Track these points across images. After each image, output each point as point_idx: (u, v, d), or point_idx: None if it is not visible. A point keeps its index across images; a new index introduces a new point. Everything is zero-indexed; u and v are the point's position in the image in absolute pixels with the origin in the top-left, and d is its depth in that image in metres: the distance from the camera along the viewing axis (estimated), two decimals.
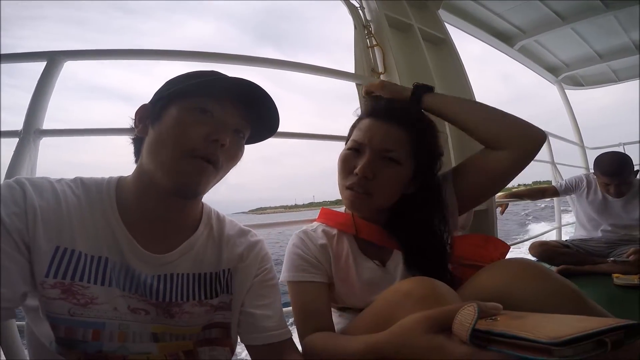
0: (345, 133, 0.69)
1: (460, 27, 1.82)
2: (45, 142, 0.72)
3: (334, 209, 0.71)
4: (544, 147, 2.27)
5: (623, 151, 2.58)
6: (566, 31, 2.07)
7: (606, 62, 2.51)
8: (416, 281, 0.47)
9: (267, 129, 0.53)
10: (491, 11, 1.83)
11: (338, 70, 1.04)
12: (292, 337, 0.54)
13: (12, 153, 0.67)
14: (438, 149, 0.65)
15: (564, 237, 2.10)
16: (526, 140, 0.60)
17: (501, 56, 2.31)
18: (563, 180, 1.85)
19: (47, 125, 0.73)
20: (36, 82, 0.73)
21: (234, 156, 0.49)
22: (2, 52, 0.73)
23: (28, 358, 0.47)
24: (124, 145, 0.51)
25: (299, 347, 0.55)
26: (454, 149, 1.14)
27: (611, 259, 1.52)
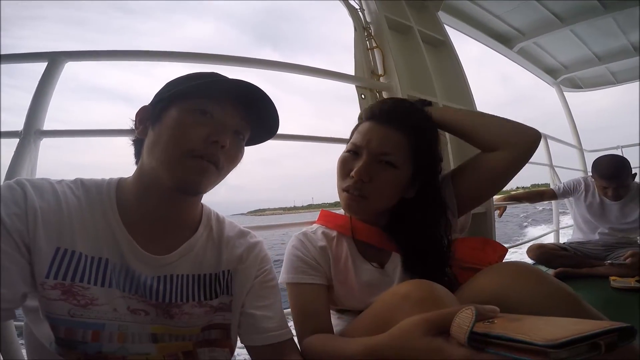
0: (344, 134, 0.70)
1: (460, 28, 1.83)
2: (45, 142, 0.73)
3: (334, 211, 0.71)
4: (542, 150, 2.27)
5: (621, 154, 2.59)
6: (565, 33, 2.08)
7: (605, 64, 2.52)
8: (414, 284, 0.47)
9: (266, 130, 0.53)
10: (490, 13, 1.84)
11: (338, 73, 1.05)
12: (293, 337, 0.54)
13: (13, 154, 0.68)
14: (438, 153, 0.65)
15: (562, 240, 2.11)
16: (521, 139, 0.62)
17: (500, 58, 2.32)
18: (561, 183, 1.86)
19: (47, 125, 0.73)
20: (37, 83, 0.73)
21: (234, 157, 0.49)
22: (3, 53, 0.73)
23: (26, 358, 0.48)
24: (124, 146, 0.52)
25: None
26: (452, 154, 1.14)
27: (608, 261, 1.53)
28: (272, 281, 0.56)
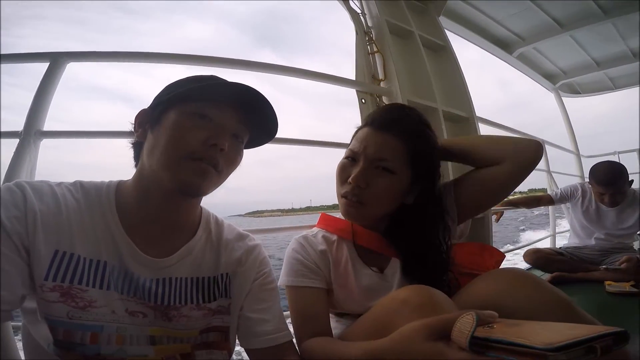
0: (344, 137, 0.70)
1: (460, 33, 1.84)
2: (44, 142, 0.72)
3: (334, 215, 0.71)
4: None
5: (618, 160, 2.61)
6: (565, 39, 2.09)
7: (603, 69, 2.54)
8: (413, 289, 0.48)
9: (265, 133, 0.53)
10: (491, 18, 1.85)
11: (339, 77, 1.05)
12: (292, 340, 0.54)
13: (12, 154, 0.67)
14: (436, 159, 0.65)
15: (558, 245, 2.13)
16: (522, 152, 0.63)
17: (498, 62, 2.33)
18: (558, 189, 1.87)
19: (46, 125, 0.72)
20: (38, 83, 0.73)
21: (234, 160, 0.49)
22: (4, 52, 0.72)
23: (23, 358, 0.48)
24: (125, 147, 0.51)
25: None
26: (452, 168, 1.15)
27: (604, 266, 1.54)
28: (271, 284, 0.56)
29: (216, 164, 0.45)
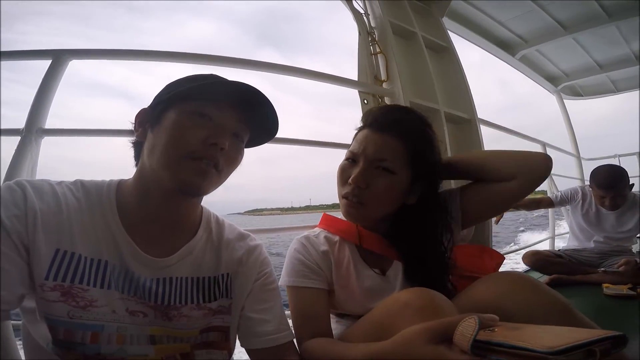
0: (345, 137, 0.70)
1: (463, 34, 1.83)
2: (45, 139, 0.72)
3: (336, 216, 0.71)
4: None
5: (618, 163, 2.60)
6: (568, 41, 2.09)
7: (606, 72, 2.53)
8: (415, 292, 0.48)
9: (266, 132, 0.53)
10: (494, 19, 1.84)
11: (341, 77, 1.04)
12: (292, 340, 0.55)
13: (14, 151, 0.67)
14: (436, 158, 0.65)
15: (557, 247, 2.13)
16: (532, 169, 0.62)
17: (498, 63, 2.32)
18: (559, 191, 1.87)
19: (48, 122, 0.72)
20: (40, 81, 0.72)
21: (234, 160, 0.49)
22: (8, 49, 0.72)
23: (23, 357, 0.48)
24: (126, 144, 0.51)
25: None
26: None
27: (602, 269, 1.54)
28: (272, 284, 0.56)
29: (216, 164, 0.45)
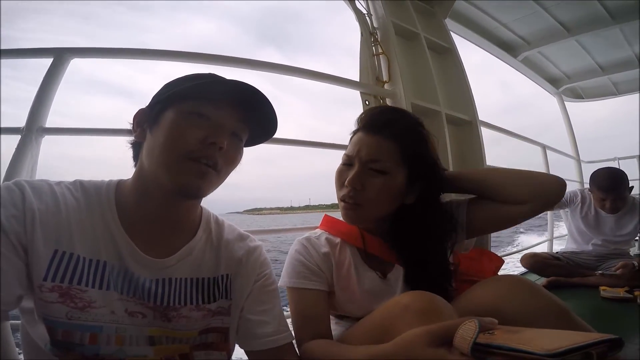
0: (345, 137, 0.71)
1: (465, 35, 1.82)
2: (45, 137, 0.72)
3: (337, 217, 0.71)
4: (540, 160, 2.29)
5: (618, 166, 2.61)
6: (570, 43, 2.08)
7: (608, 74, 2.53)
8: (415, 295, 0.48)
9: (265, 131, 0.53)
10: (497, 21, 1.83)
11: (343, 78, 1.04)
12: (292, 342, 0.55)
13: (14, 150, 0.67)
14: (431, 156, 0.65)
15: (555, 249, 2.14)
16: (547, 195, 0.62)
17: (500, 65, 2.32)
18: None
19: (48, 120, 0.72)
20: (41, 79, 0.72)
21: (233, 159, 0.49)
22: (9, 46, 0.71)
23: (22, 358, 0.48)
24: (126, 142, 0.51)
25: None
26: (452, 160, 1.15)
27: (599, 272, 1.55)
28: (271, 285, 0.56)
29: (215, 164, 0.45)
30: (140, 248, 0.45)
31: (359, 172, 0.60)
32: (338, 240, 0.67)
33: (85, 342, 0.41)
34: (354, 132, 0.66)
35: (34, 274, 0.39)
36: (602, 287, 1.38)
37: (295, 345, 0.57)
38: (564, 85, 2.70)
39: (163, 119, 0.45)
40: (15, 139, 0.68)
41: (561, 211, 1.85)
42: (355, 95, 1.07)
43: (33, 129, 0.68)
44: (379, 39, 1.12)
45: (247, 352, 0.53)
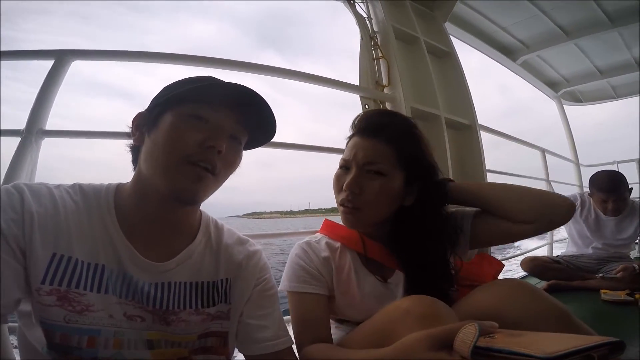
0: (343, 140, 0.71)
1: (465, 39, 1.83)
2: (45, 140, 0.72)
3: (337, 222, 0.71)
4: (539, 164, 2.29)
5: (617, 169, 2.62)
6: (569, 47, 2.09)
7: (606, 78, 2.54)
8: (416, 299, 0.48)
9: (264, 134, 0.53)
10: (496, 25, 1.84)
11: (343, 82, 1.04)
12: (291, 346, 0.54)
13: (13, 153, 0.67)
14: (427, 157, 0.65)
15: (555, 253, 2.14)
16: (556, 216, 0.61)
17: (499, 69, 2.33)
18: None
19: (48, 122, 0.72)
20: (42, 81, 0.72)
21: (232, 162, 0.49)
22: (10, 47, 0.72)
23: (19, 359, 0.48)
24: (124, 145, 0.51)
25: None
26: (451, 159, 1.15)
27: (600, 275, 1.55)
28: (271, 290, 0.56)
29: (214, 167, 0.45)
30: (140, 251, 0.45)
31: (356, 176, 0.60)
32: (338, 244, 0.67)
33: (83, 346, 0.40)
34: (350, 137, 0.66)
35: (32, 277, 0.39)
36: (602, 290, 1.37)
37: (295, 350, 0.57)
38: (563, 88, 2.71)
39: (161, 122, 0.45)
40: (15, 141, 0.68)
41: None
42: (355, 99, 1.08)
43: (33, 131, 0.68)
44: (378, 43, 1.12)
45: (246, 357, 0.53)
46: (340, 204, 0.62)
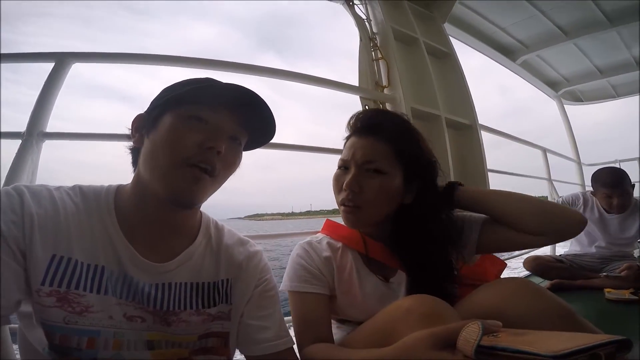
0: (342, 141, 0.71)
1: (464, 40, 1.84)
2: (46, 142, 0.72)
3: (339, 222, 0.71)
4: (541, 163, 2.29)
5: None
6: (568, 46, 2.10)
7: (606, 77, 2.55)
8: (417, 298, 0.48)
9: (263, 134, 0.53)
10: (496, 25, 1.85)
11: (343, 83, 1.04)
12: (292, 347, 0.54)
13: (14, 155, 0.67)
14: (425, 154, 0.65)
15: (558, 252, 2.13)
16: (567, 231, 0.61)
17: (499, 69, 2.33)
18: (560, 197, 1.86)
19: (49, 124, 0.72)
20: (42, 83, 0.72)
21: (232, 163, 0.48)
22: (10, 49, 0.72)
23: None
24: (124, 146, 0.51)
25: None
26: (453, 166, 1.15)
27: (604, 274, 1.54)
28: (271, 290, 0.55)
29: (213, 168, 0.45)
30: (140, 252, 0.45)
31: (356, 175, 0.60)
32: (339, 244, 0.66)
33: (83, 347, 0.40)
34: (347, 137, 0.67)
35: (32, 279, 0.39)
36: (606, 289, 1.36)
37: (297, 349, 0.56)
38: (563, 88, 2.71)
39: (160, 124, 0.45)
40: (16, 143, 0.68)
41: None
42: (355, 100, 1.08)
43: (34, 134, 0.69)
44: (378, 44, 1.12)
45: (247, 357, 0.53)
46: (341, 203, 0.62)
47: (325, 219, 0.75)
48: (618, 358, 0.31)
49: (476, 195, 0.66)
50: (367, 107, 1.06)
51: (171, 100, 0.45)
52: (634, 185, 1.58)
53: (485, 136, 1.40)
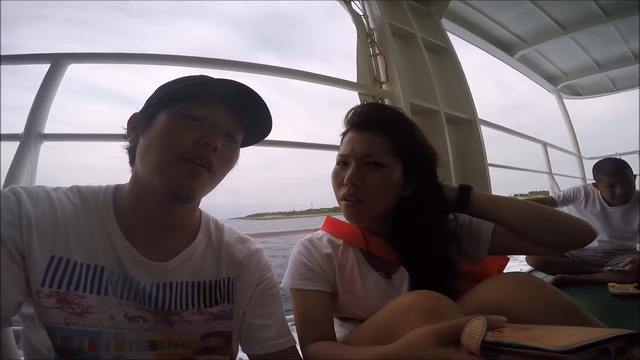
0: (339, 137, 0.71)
1: (462, 35, 1.84)
2: (44, 144, 0.72)
3: (339, 219, 0.71)
4: (541, 158, 2.29)
5: None
6: (566, 41, 2.10)
7: (605, 71, 2.54)
8: (420, 295, 0.47)
9: (260, 130, 0.52)
10: (493, 20, 1.85)
11: (341, 80, 1.04)
12: (295, 345, 0.54)
13: (13, 157, 0.67)
14: (423, 147, 0.65)
15: None
16: (572, 241, 0.61)
17: (498, 64, 2.33)
18: (561, 191, 1.86)
19: (46, 126, 0.72)
20: (39, 85, 0.72)
21: (229, 160, 0.48)
22: (7, 53, 0.72)
23: None
24: (121, 145, 0.50)
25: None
26: (453, 160, 1.14)
27: (607, 268, 1.53)
28: (273, 289, 0.55)
29: (210, 165, 0.44)
30: (140, 252, 0.45)
31: (356, 169, 0.60)
32: (340, 241, 0.66)
33: (85, 348, 0.40)
34: (344, 133, 0.66)
35: (32, 280, 0.39)
36: (610, 284, 1.35)
37: (299, 347, 0.56)
38: (562, 82, 2.71)
39: (155, 122, 0.45)
40: (14, 145, 0.68)
41: (565, 208, 1.83)
42: (353, 97, 1.07)
43: (32, 135, 0.69)
44: (375, 40, 1.12)
45: (249, 356, 0.52)
46: (342, 198, 0.61)
47: (327, 216, 0.74)
48: (627, 352, 0.30)
49: (488, 207, 0.63)
50: (365, 102, 1.05)
51: (165, 98, 0.45)
52: (635, 176, 1.58)
53: (485, 131, 1.40)
